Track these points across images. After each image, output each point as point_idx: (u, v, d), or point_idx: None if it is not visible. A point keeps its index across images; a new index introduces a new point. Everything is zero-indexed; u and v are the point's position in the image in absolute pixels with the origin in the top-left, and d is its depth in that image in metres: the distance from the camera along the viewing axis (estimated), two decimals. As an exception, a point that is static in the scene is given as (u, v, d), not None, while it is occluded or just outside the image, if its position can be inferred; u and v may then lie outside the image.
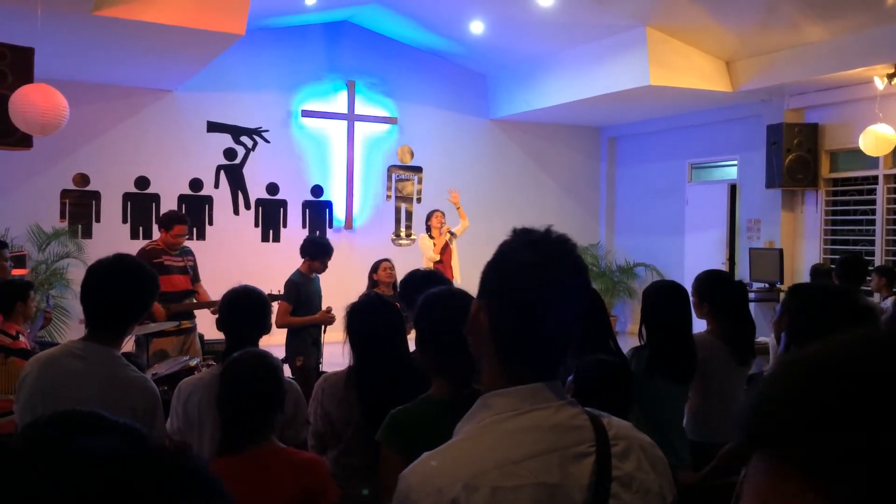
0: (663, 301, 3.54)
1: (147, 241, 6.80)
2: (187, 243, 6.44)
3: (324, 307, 6.05)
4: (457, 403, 2.18)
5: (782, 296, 8.81)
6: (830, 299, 1.83)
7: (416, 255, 9.26)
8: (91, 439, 0.63)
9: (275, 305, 5.25)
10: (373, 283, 6.43)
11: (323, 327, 6.05)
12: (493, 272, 1.32)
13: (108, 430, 0.67)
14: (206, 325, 6.44)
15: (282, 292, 6.09)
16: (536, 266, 1.27)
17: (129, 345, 6.01)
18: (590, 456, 1.23)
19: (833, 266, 6.99)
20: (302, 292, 5.99)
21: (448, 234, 8.47)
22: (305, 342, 5.98)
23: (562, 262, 1.30)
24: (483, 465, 1.19)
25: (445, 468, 1.21)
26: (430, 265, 8.10)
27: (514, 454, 1.20)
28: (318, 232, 10.46)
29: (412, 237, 11.12)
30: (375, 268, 6.52)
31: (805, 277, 8.89)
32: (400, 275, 4.37)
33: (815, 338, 0.59)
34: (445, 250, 8.47)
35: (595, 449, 1.23)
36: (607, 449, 1.24)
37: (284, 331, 6.04)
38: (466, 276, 8.59)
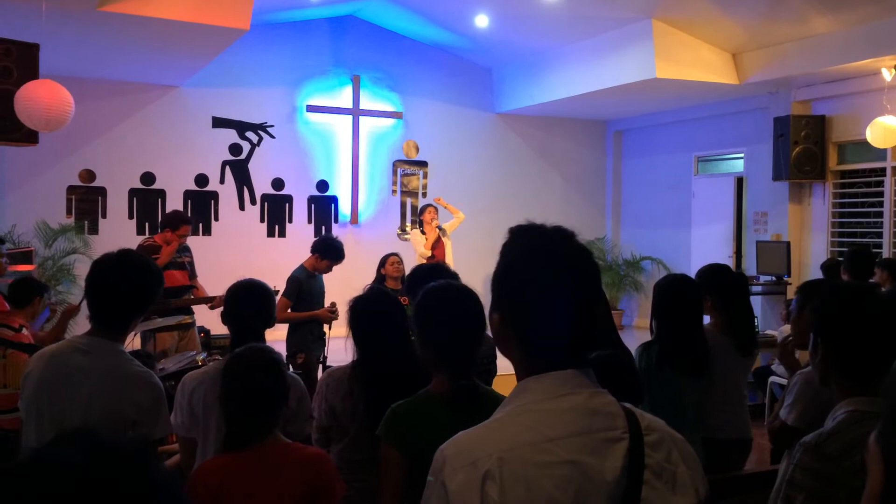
0: (674, 295, 3.51)
1: (143, 238, 6.81)
2: (191, 238, 6.49)
3: (328, 303, 6.08)
4: (456, 398, 2.18)
5: (789, 289, 8.75)
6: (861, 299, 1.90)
7: (421, 250, 9.24)
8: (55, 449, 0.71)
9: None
10: (381, 277, 6.44)
11: (329, 323, 6.07)
12: (498, 282, 1.37)
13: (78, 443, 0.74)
14: (213, 320, 6.46)
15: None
16: (532, 268, 1.31)
17: (135, 340, 6.03)
18: (622, 441, 1.25)
19: (840, 259, 6.95)
20: (304, 289, 6.02)
21: (437, 230, 8.42)
22: (307, 338, 6.01)
23: (559, 257, 1.32)
24: (518, 441, 1.23)
25: (481, 442, 1.24)
26: (423, 261, 8.08)
27: (549, 433, 1.23)
28: (330, 231, 10.46)
29: (418, 232, 11.11)
30: (383, 262, 6.52)
31: (812, 270, 8.85)
32: (407, 269, 4.36)
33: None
34: (437, 246, 8.42)
35: (628, 435, 1.26)
36: (640, 436, 1.27)
37: (286, 326, 6.07)
38: (468, 270, 8.57)
